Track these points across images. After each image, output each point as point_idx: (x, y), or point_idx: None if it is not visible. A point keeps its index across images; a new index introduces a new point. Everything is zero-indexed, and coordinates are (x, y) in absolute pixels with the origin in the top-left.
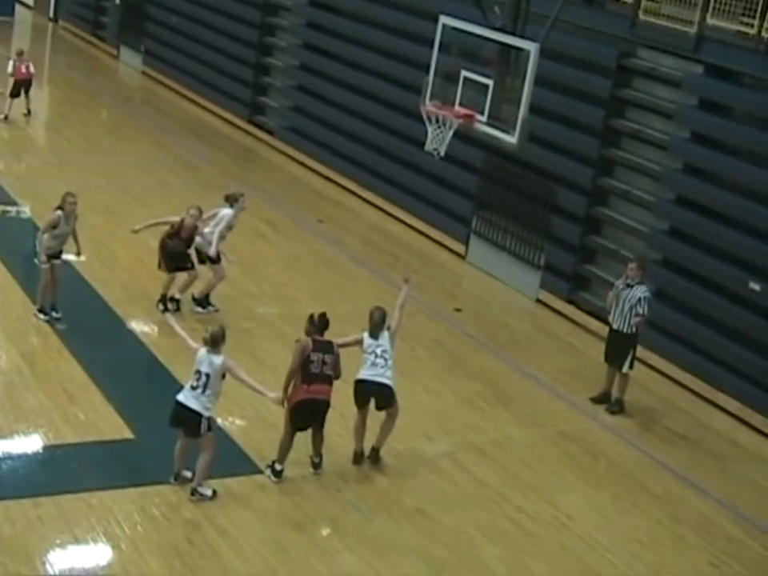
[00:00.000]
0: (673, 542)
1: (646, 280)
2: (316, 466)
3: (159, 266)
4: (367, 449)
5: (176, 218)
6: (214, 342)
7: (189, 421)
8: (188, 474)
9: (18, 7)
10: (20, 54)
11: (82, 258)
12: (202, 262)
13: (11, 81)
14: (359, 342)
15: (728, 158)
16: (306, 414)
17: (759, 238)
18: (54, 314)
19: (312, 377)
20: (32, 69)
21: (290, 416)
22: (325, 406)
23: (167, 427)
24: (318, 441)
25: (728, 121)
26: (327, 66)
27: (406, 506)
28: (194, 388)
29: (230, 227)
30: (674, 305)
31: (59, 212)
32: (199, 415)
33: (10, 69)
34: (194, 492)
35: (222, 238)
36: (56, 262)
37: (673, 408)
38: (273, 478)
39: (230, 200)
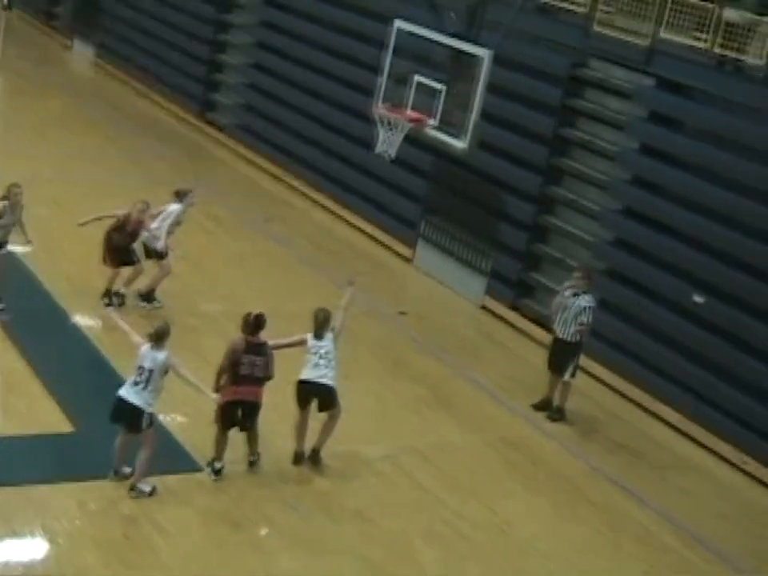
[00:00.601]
0: (610, 550)
1: (591, 290)
2: (252, 464)
3: (104, 261)
4: (308, 450)
5: (122, 212)
6: (158, 338)
7: (130, 416)
8: (127, 470)
9: None
10: None
11: (30, 246)
12: (148, 257)
13: None
14: (303, 343)
15: (676, 170)
16: (233, 415)
17: (703, 251)
18: None
19: (241, 378)
20: None
21: (218, 415)
22: (252, 407)
23: (108, 422)
24: (251, 440)
25: (677, 134)
26: (280, 66)
27: (345, 507)
28: (136, 383)
29: (178, 223)
30: (617, 315)
31: (4, 202)
32: (140, 411)
33: None
34: (133, 488)
35: (170, 233)
36: (0, 252)
37: (614, 417)
38: (213, 476)
39: (179, 195)
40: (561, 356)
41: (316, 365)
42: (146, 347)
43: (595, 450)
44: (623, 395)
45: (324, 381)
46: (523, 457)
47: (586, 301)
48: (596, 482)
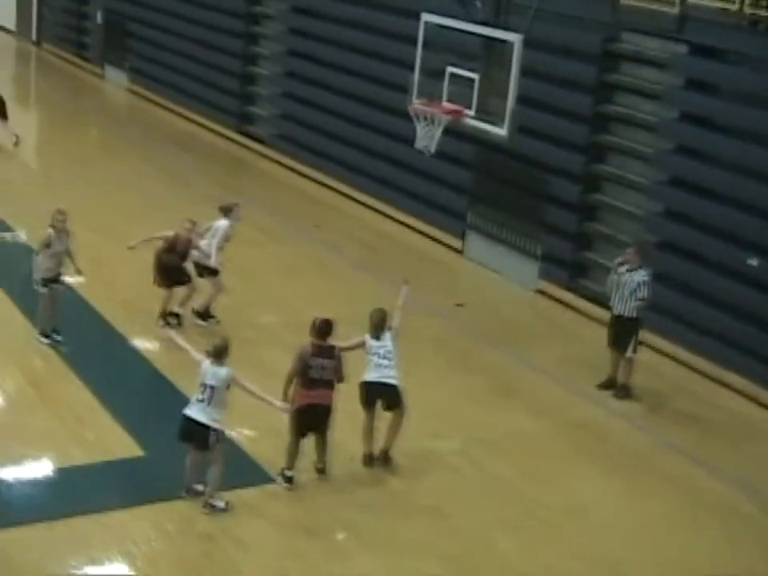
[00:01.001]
0: (688, 523)
1: (645, 264)
2: (320, 471)
3: (154, 282)
4: (377, 450)
5: (170, 233)
6: (218, 354)
7: (197, 434)
8: (200, 488)
9: (0, 33)
10: None
11: (82, 278)
12: (200, 275)
13: None
14: (362, 345)
15: (718, 135)
16: (308, 419)
17: (753, 214)
18: (55, 337)
19: (312, 382)
20: None
21: (292, 422)
22: (326, 411)
23: (176, 442)
24: (320, 447)
25: (715, 99)
26: (313, 71)
27: (420, 504)
28: (200, 401)
29: (227, 238)
30: (673, 286)
31: (50, 230)
32: (207, 428)
33: None
34: (206, 505)
35: (220, 249)
36: (54, 286)
37: (680, 390)
38: (284, 484)
39: (225, 211)
40: (621, 333)
41: (378, 365)
42: (206, 364)
43: (664, 423)
44: (688, 366)
45: (387, 380)
46: (593, 437)
47: (640, 275)
48: (668, 456)
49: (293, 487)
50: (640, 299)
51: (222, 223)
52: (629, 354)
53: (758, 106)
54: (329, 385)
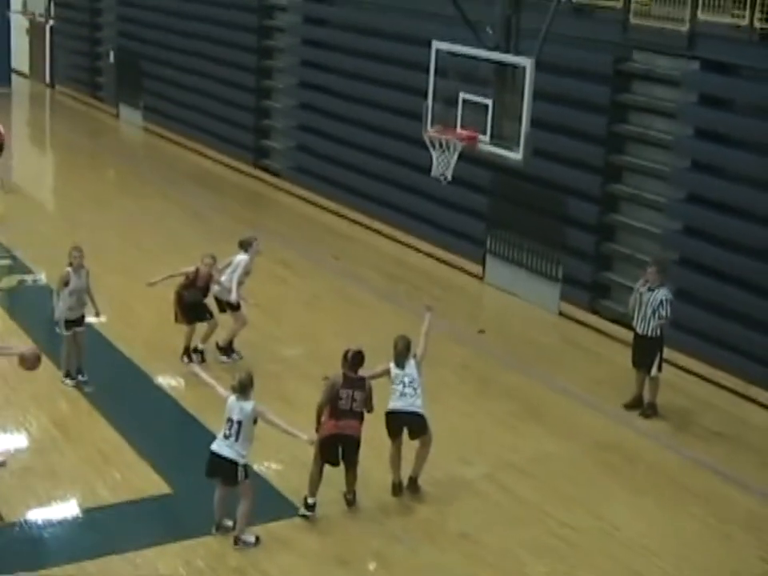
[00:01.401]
0: (721, 540)
1: (666, 282)
2: (350, 503)
3: (176, 319)
4: (405, 479)
5: (191, 269)
6: (243, 389)
7: (225, 470)
8: (229, 523)
9: (14, 77)
10: None
11: (102, 318)
12: (222, 310)
13: None
14: (387, 373)
15: (734, 150)
16: (334, 449)
17: None
18: (80, 378)
19: (340, 413)
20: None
21: (318, 450)
22: (353, 441)
23: (204, 478)
24: (350, 478)
25: (730, 114)
26: (326, 103)
27: (450, 532)
28: (226, 437)
29: (247, 272)
30: (696, 303)
31: (68, 268)
32: (235, 463)
33: None
34: (237, 541)
35: (240, 284)
36: (78, 329)
37: (707, 406)
38: (306, 512)
39: (244, 245)
40: (644, 352)
41: (402, 394)
42: (232, 399)
43: (692, 441)
44: (713, 383)
45: (412, 409)
46: (621, 458)
47: (662, 294)
48: (697, 474)
49: (314, 515)
50: (662, 318)
51: (241, 258)
52: (653, 372)
53: None
54: (358, 416)
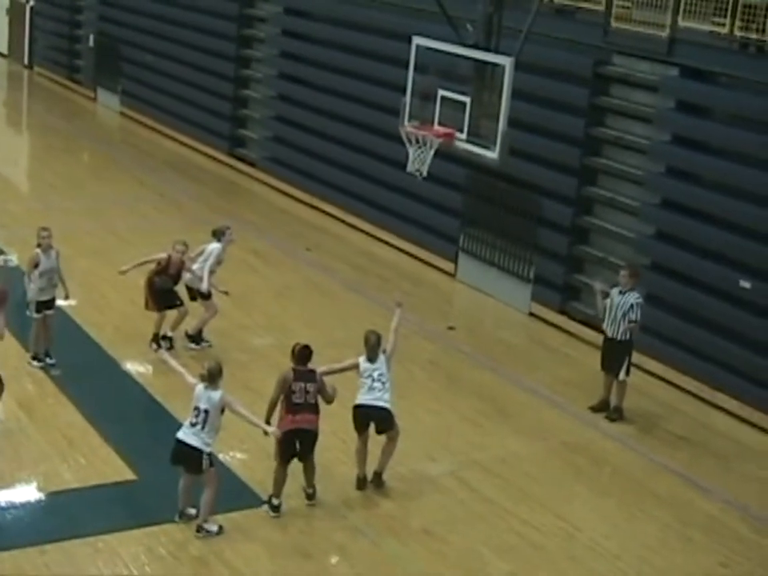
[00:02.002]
0: (682, 544)
1: (637, 286)
2: (309, 497)
3: (146, 306)
4: (370, 473)
5: (163, 255)
6: (212, 378)
7: (190, 458)
8: (192, 512)
9: None
10: None
11: (72, 301)
12: (193, 298)
13: None
14: (356, 366)
15: (709, 158)
16: (292, 444)
17: (746, 236)
18: (48, 360)
19: (296, 407)
20: None
21: (278, 447)
22: (311, 435)
23: (169, 466)
24: (309, 471)
25: (707, 121)
26: (304, 95)
27: (414, 528)
28: (193, 425)
29: (219, 261)
30: (665, 308)
31: (37, 249)
32: (200, 452)
33: None
34: (199, 529)
35: (212, 272)
36: (48, 312)
37: (672, 411)
38: (271, 513)
39: (217, 234)
40: (613, 355)
41: (371, 388)
42: (200, 388)
43: (657, 445)
44: (680, 388)
45: (380, 403)
46: (586, 459)
47: (633, 298)
48: (661, 477)
49: (279, 515)
50: (632, 321)
51: (215, 246)
52: (621, 377)
53: (748, 127)
54: (313, 409)
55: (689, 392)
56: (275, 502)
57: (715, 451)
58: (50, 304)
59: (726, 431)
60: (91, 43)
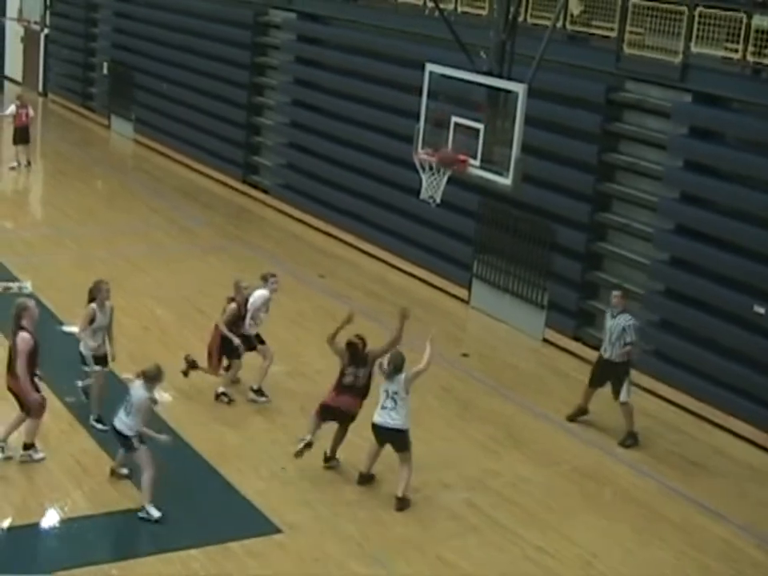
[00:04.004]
0: (697, 570)
1: (627, 308)
2: (327, 459)
3: (210, 367)
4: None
5: (232, 304)
6: (148, 379)
7: (121, 440)
8: (124, 471)
9: (6, 83)
10: (20, 98)
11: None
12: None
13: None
14: (380, 365)
15: (722, 183)
16: (330, 417)
17: (760, 261)
18: (99, 426)
19: (343, 387)
20: (31, 112)
21: (318, 411)
22: (347, 417)
23: (183, 492)
24: (338, 439)
25: (720, 146)
26: (317, 122)
27: (428, 555)
28: (125, 410)
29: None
30: (679, 333)
31: (92, 304)
32: (125, 435)
33: (8, 111)
34: (141, 509)
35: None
36: (101, 368)
37: (686, 436)
38: (300, 444)
39: (265, 279)
40: (611, 378)
41: (383, 407)
42: (139, 382)
43: (670, 470)
44: (693, 413)
45: (390, 423)
46: (599, 485)
47: (624, 320)
48: (674, 503)
49: (306, 451)
50: (628, 343)
51: (262, 292)
52: (623, 398)
53: (761, 153)
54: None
55: (702, 417)
56: (307, 437)
57: (729, 477)
58: (103, 360)
59: (740, 456)
60: (105, 71)
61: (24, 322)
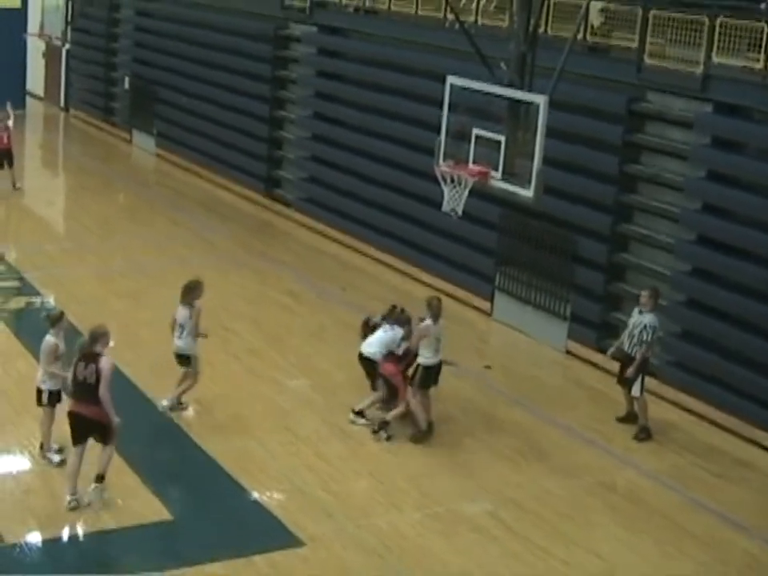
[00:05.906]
0: None
1: (655, 309)
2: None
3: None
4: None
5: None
6: (51, 322)
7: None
8: (56, 458)
9: (28, 99)
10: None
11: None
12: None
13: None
14: (427, 331)
15: (745, 193)
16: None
17: None
18: None
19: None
20: (11, 132)
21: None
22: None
23: (205, 505)
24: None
25: (742, 157)
26: (339, 135)
27: (450, 568)
28: None
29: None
30: (702, 345)
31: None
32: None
33: None
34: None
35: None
36: None
37: (710, 448)
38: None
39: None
40: (624, 369)
41: (437, 350)
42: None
43: (694, 483)
44: (718, 425)
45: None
46: (622, 498)
47: (648, 319)
48: (698, 516)
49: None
50: (644, 341)
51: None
52: (635, 392)
53: None
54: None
55: (727, 429)
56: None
57: (754, 489)
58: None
59: (765, 469)
60: (126, 85)
61: (99, 348)
